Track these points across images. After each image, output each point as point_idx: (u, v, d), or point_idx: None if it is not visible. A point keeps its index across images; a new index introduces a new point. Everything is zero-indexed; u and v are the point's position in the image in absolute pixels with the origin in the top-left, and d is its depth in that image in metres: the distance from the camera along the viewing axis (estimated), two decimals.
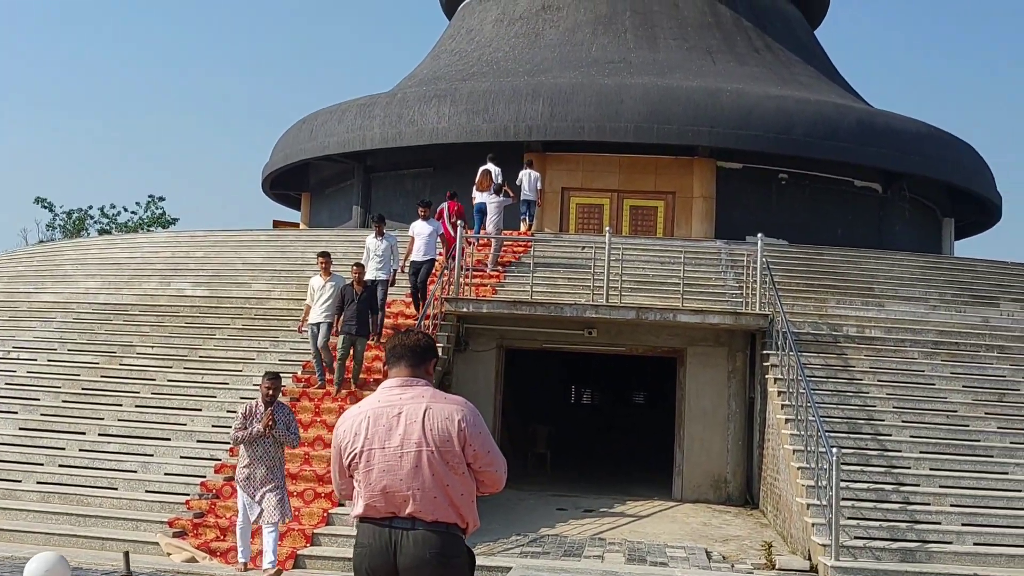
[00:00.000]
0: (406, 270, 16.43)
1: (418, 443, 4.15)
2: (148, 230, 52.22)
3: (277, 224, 36.84)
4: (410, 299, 16.55)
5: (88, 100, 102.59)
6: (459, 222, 18.87)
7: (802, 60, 33.84)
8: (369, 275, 15.10)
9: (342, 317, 13.79)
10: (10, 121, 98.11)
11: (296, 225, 36.43)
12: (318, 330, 13.86)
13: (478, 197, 20.48)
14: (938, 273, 20.32)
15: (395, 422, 4.18)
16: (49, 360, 15.62)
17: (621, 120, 27.64)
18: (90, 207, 53.95)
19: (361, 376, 14.00)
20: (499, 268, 18.72)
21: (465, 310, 15.98)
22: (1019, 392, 14.55)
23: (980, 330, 16.93)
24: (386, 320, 15.49)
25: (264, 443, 9.59)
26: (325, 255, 14.58)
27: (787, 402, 13.49)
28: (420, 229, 16.58)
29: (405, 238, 17.35)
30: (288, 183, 35.89)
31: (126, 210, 53.54)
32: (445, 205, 20.77)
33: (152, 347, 15.84)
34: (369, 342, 14.44)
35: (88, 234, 52.40)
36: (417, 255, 16.36)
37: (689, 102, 27.77)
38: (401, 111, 29.51)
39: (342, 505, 11.07)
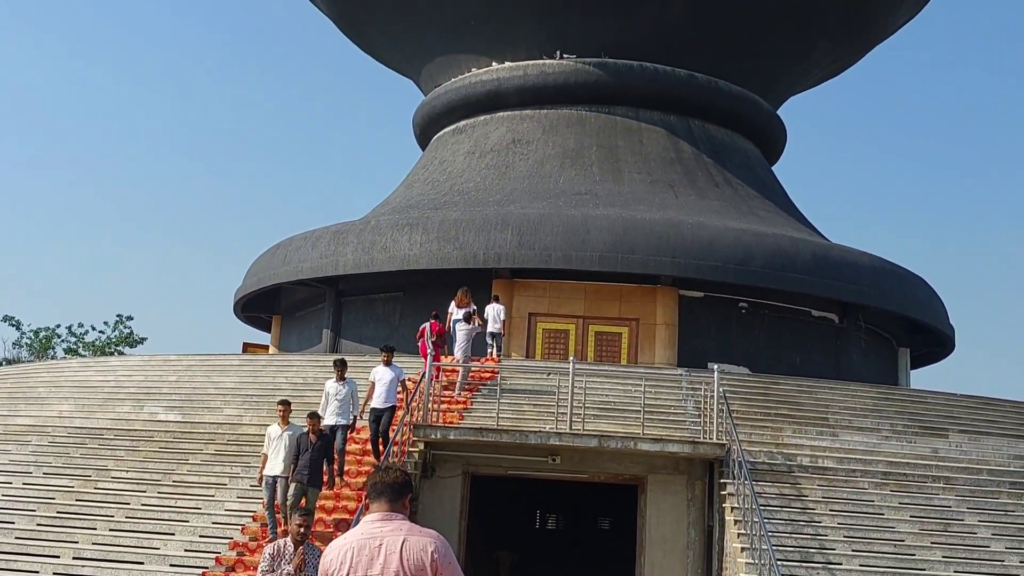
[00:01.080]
0: (365, 416, 16.19)
1: (396, 572, 4.71)
2: (116, 350, 52.26)
3: (247, 347, 37.32)
4: (369, 446, 16.31)
5: (55, 218, 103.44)
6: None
7: (760, 194, 35.35)
8: (328, 420, 14.99)
9: (296, 467, 13.51)
10: None
11: (266, 348, 36.89)
12: (274, 482, 13.65)
13: (456, 313, 21.34)
14: (890, 404, 21.10)
15: (376, 552, 4.74)
16: (24, 483, 15.87)
17: (587, 249, 28.70)
18: (58, 326, 53.76)
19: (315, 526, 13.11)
20: (465, 395, 19.30)
21: (432, 437, 16.49)
22: (963, 522, 15.18)
23: (928, 460, 17.64)
24: (346, 467, 15.38)
25: None
26: (285, 404, 14.32)
27: (743, 531, 14.02)
28: (381, 375, 16.23)
29: (364, 378, 17.44)
30: (259, 306, 36.49)
31: (94, 328, 53.45)
32: (427, 325, 21.66)
33: (126, 471, 16.15)
34: (324, 490, 14.18)
35: (55, 353, 52.35)
36: (377, 402, 16.03)
37: (652, 233, 28.94)
38: (374, 238, 30.45)
39: None
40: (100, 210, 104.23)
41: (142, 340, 53.74)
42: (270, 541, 13.36)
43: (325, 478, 14.27)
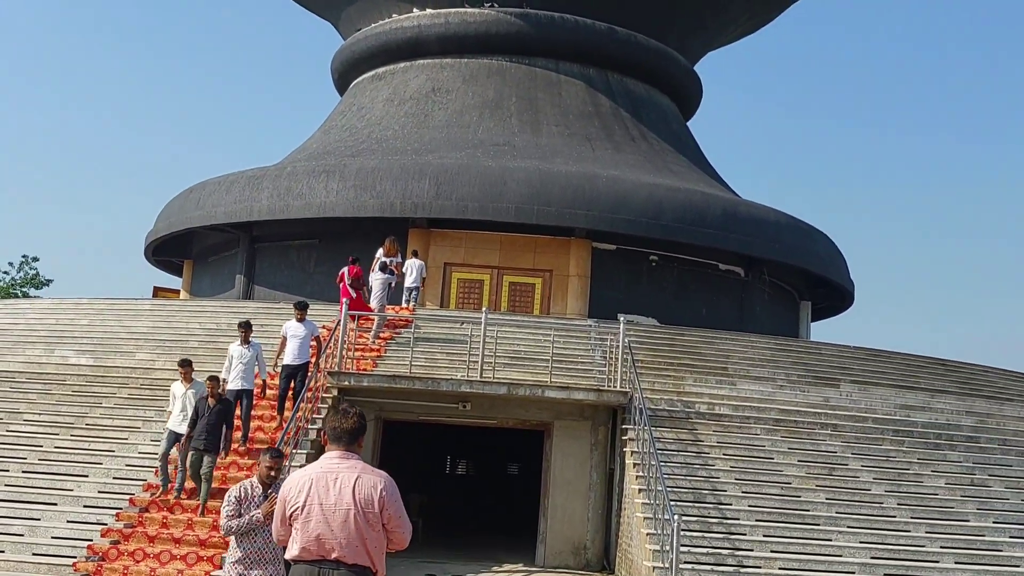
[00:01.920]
0: (277, 369, 16.01)
1: (348, 503, 5.32)
2: (21, 291, 51.17)
3: (158, 291, 36.98)
4: (275, 404, 16.06)
5: None
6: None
7: (675, 149, 36.09)
8: (232, 385, 14.75)
9: (193, 431, 13.33)
10: None
11: (177, 292, 36.61)
12: (175, 438, 13.59)
13: (383, 258, 21.74)
14: (786, 355, 22.10)
15: (332, 484, 5.36)
16: None
17: (503, 201, 29.08)
18: None
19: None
20: (380, 342, 19.67)
21: (346, 383, 16.86)
22: (847, 467, 16.19)
23: (819, 409, 18.65)
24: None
25: (264, 533, 7.82)
26: (186, 364, 14.29)
27: (641, 473, 14.77)
28: (295, 330, 15.93)
29: (278, 326, 17.62)
30: (171, 250, 36.11)
31: None
32: (346, 269, 21.93)
33: (39, 414, 16.19)
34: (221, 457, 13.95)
35: None
36: (290, 358, 15.77)
37: (567, 186, 29.43)
38: (290, 184, 30.35)
39: (221, 568, 11.74)
40: (4, 147, 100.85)
41: (48, 282, 52.68)
42: (164, 494, 13.55)
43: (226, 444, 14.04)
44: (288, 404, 15.84)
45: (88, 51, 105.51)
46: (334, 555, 5.30)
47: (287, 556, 5.52)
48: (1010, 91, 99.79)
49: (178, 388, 14.12)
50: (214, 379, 13.94)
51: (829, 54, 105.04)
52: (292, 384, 15.92)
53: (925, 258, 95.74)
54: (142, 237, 36.47)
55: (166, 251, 36.11)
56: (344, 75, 39.10)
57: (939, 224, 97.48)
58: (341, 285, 20.77)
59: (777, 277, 34.35)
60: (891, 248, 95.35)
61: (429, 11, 35.72)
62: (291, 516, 5.39)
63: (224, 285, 33.34)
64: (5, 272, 51.87)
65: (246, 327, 15.29)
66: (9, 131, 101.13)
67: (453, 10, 35.34)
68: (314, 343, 16.33)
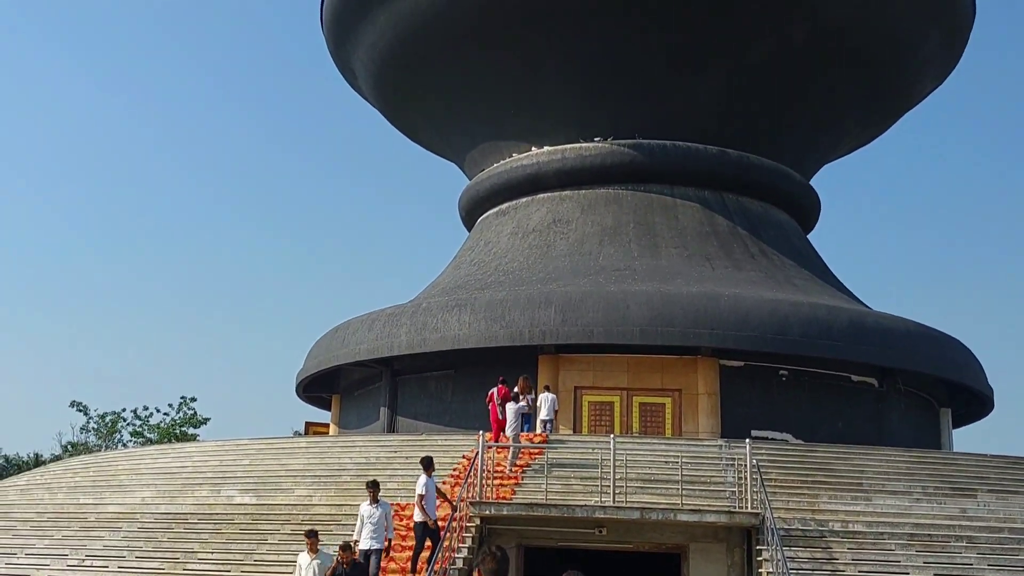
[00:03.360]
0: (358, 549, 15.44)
1: None
2: (181, 431, 54.12)
3: (309, 425, 39.08)
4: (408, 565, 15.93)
5: (120, 304, 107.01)
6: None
7: (796, 263, 36.55)
8: (363, 545, 14.99)
9: None
10: (44, 325, 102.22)
11: (327, 426, 38.56)
12: None
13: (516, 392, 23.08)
14: (922, 467, 22.04)
15: None
16: (119, 567, 17.47)
17: (627, 324, 30.07)
18: (123, 410, 55.85)
19: None
20: (516, 470, 20.66)
21: (487, 512, 17.85)
22: None
23: (955, 520, 18.61)
24: None
25: None
26: (312, 535, 14.47)
27: None
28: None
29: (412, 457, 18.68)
30: (319, 386, 38.23)
31: (158, 411, 55.33)
32: (495, 389, 23.80)
33: (211, 553, 17.69)
34: None
35: (121, 437, 54.24)
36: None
37: (690, 306, 30.25)
38: (425, 319, 32.13)
39: None
40: (162, 297, 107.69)
41: (205, 421, 55.41)
42: None
43: None
44: None
45: (241, 199, 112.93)
46: None
47: None
48: None
49: (304, 559, 14.42)
50: (346, 547, 14.11)
51: (947, 154, 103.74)
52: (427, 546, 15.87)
53: None
54: (289, 373, 38.79)
55: (315, 387, 38.23)
56: (471, 212, 41.27)
57: None
58: (491, 405, 22.06)
59: (913, 386, 34.01)
60: None
61: (547, 148, 37.68)
62: None
63: (370, 417, 35.08)
64: (165, 413, 54.96)
65: (374, 487, 15.40)
66: (166, 278, 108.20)
67: (569, 146, 37.21)
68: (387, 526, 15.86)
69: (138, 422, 54.73)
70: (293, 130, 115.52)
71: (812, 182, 41.69)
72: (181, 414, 55.09)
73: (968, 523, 18.52)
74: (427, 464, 16.30)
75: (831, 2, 34.55)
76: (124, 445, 54.18)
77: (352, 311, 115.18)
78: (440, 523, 16.40)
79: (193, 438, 53.78)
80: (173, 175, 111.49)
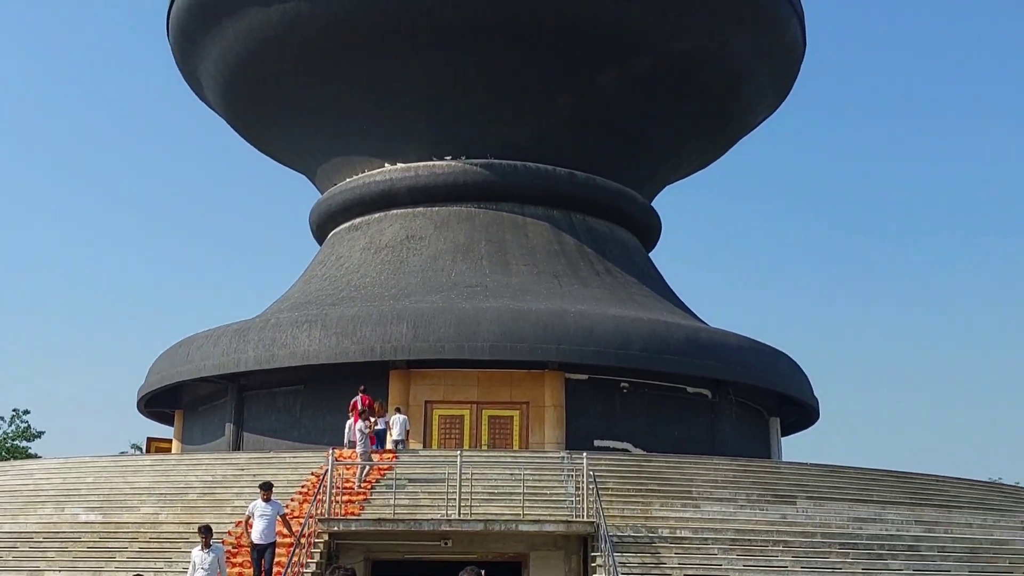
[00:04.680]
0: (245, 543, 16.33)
1: None
2: (13, 444, 51.98)
3: (151, 441, 38.30)
4: None
5: None
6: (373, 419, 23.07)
7: (638, 281, 38.23)
8: (255, 537, 15.68)
9: None
10: None
11: (170, 442, 37.88)
12: None
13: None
14: (748, 475, 23.63)
15: None
16: None
17: (478, 340, 30.91)
18: None
19: None
20: (365, 486, 21.15)
21: (336, 528, 18.30)
22: None
23: (775, 526, 20.15)
24: None
25: None
26: (206, 531, 14.87)
27: None
28: (261, 510, 16.22)
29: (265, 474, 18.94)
30: (162, 402, 37.50)
31: None
32: (358, 398, 24.52)
33: (59, 572, 17.49)
34: None
35: None
36: (258, 537, 16.09)
37: (538, 323, 31.33)
38: (275, 335, 32.12)
39: None
40: None
41: (40, 434, 53.33)
42: None
43: None
44: None
45: (80, 205, 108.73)
46: None
47: None
48: (953, 199, 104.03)
49: (197, 555, 14.77)
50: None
51: (780, 174, 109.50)
52: (263, 563, 16.15)
53: (890, 370, 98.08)
54: (129, 386, 38.08)
55: (157, 403, 37.50)
56: (322, 226, 41.34)
57: (901, 334, 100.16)
58: (353, 414, 22.60)
59: (744, 397, 36.05)
60: (856, 361, 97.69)
61: (400, 165, 38.21)
62: None
63: (215, 433, 34.70)
64: None
65: (206, 532, 15.10)
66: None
67: (422, 164, 37.86)
68: (281, 524, 16.62)
69: None
70: (138, 137, 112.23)
71: (654, 203, 43.62)
72: (14, 427, 52.94)
73: (787, 528, 20.08)
74: (267, 487, 16.55)
75: (672, 36, 36.37)
76: None
77: (194, 325, 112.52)
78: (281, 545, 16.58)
79: (25, 452, 51.76)
80: (11, 177, 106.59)
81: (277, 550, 16.49)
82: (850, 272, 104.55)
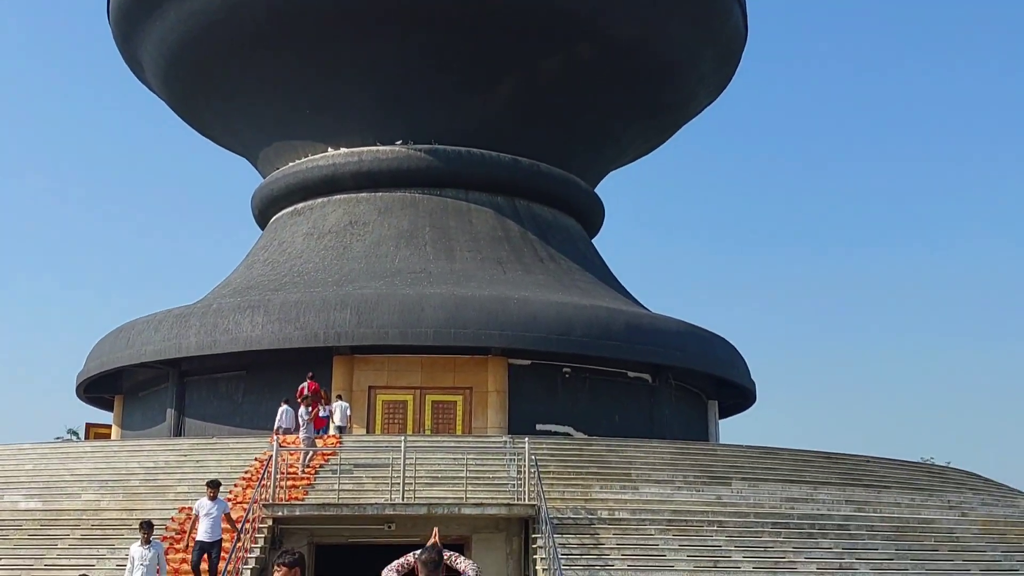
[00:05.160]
0: (190, 546, 16.27)
1: None
2: None
3: (90, 427, 37.93)
4: None
5: None
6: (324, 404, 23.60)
7: (581, 267, 38.68)
8: (202, 536, 15.67)
9: None
10: None
11: (109, 428, 37.56)
12: None
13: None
14: (685, 458, 24.21)
15: None
16: None
17: (422, 326, 31.13)
18: None
19: None
20: (309, 471, 21.30)
21: (280, 513, 18.46)
22: (730, 559, 18.21)
23: (709, 507, 20.72)
24: None
25: None
26: (147, 526, 14.83)
27: None
28: (207, 509, 16.14)
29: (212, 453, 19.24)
30: (101, 387, 37.17)
31: None
32: (305, 384, 24.99)
33: (0, 559, 17.46)
34: None
35: None
36: (203, 535, 16.01)
37: (482, 309, 31.64)
38: (216, 320, 32.02)
39: None
40: None
41: None
42: None
43: None
44: None
45: (19, 189, 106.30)
46: None
47: None
48: (886, 189, 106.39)
49: (136, 551, 14.68)
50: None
51: (722, 165, 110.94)
52: (206, 560, 16.09)
53: (826, 354, 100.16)
54: (64, 371, 37.67)
55: (97, 388, 37.16)
56: (264, 211, 41.14)
57: (835, 319, 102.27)
58: (300, 399, 22.89)
59: (683, 381, 36.74)
60: (794, 345, 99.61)
61: (343, 150, 38.18)
62: None
63: (155, 419, 34.50)
64: None
65: (147, 528, 15.03)
66: None
67: (366, 148, 37.86)
68: (226, 521, 16.52)
69: None
70: (81, 116, 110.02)
71: (597, 189, 44.07)
72: None
73: (721, 508, 20.66)
74: (214, 485, 16.49)
75: (613, 23, 36.74)
76: None
77: (129, 310, 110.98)
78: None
79: None
80: None
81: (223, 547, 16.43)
82: (790, 256, 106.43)
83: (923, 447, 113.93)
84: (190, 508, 18.80)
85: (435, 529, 8.18)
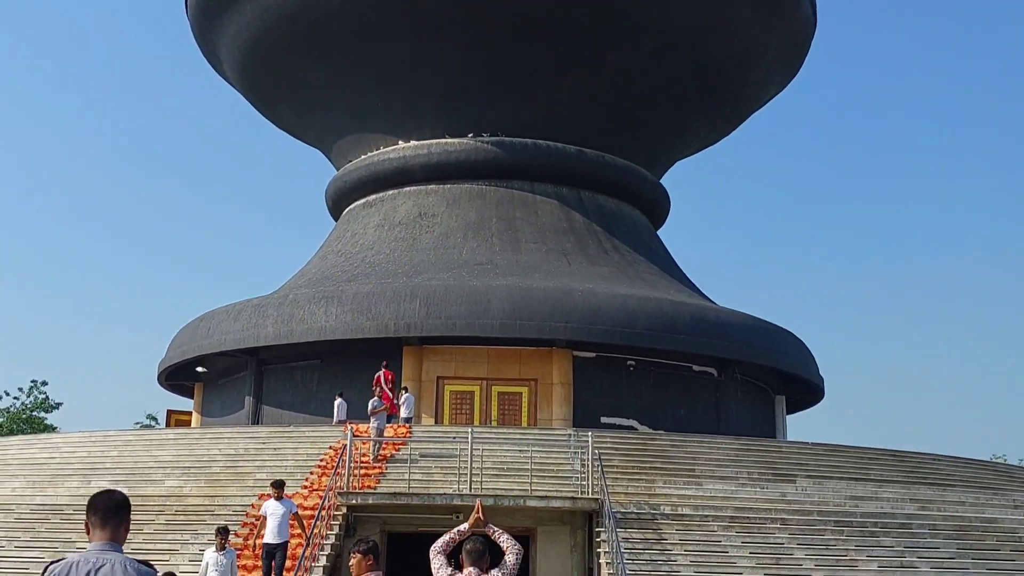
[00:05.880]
0: (259, 551, 16.14)
1: None
2: (32, 415, 53.03)
3: (172, 413, 39.32)
4: None
5: None
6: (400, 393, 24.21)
7: (646, 259, 38.92)
8: (268, 538, 15.58)
9: None
10: None
11: (189, 414, 38.91)
12: None
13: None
14: (749, 454, 24.43)
15: None
16: (0, 557, 18.16)
17: (488, 317, 31.72)
18: None
19: None
20: (381, 460, 22.05)
21: (354, 501, 19.21)
22: (792, 556, 18.49)
23: (774, 504, 20.99)
24: None
25: None
26: (223, 532, 14.91)
27: (611, 571, 17.06)
28: (273, 509, 15.99)
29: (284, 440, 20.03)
30: (183, 375, 38.49)
31: (7, 394, 54.00)
32: (381, 373, 25.69)
33: (89, 543, 18.34)
34: None
35: None
36: (271, 537, 15.87)
37: (547, 301, 32.11)
38: (293, 311, 33.00)
39: None
40: (10, 275, 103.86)
41: (57, 405, 54.39)
42: None
43: None
44: None
45: (101, 178, 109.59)
46: None
47: None
48: (968, 173, 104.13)
49: (211, 556, 14.86)
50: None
51: (791, 156, 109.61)
52: (272, 563, 16.04)
53: (899, 350, 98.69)
54: (144, 358, 39.03)
55: (177, 376, 38.49)
56: (337, 202, 42.13)
57: (909, 315, 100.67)
58: (377, 388, 23.64)
59: (749, 376, 36.77)
60: (863, 341, 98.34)
61: (413, 143, 38.90)
62: None
63: (234, 406, 35.70)
64: (15, 397, 53.69)
65: (223, 533, 15.16)
66: (16, 255, 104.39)
67: (435, 141, 38.54)
68: (293, 520, 16.43)
69: None
70: (157, 114, 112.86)
71: (664, 180, 44.20)
72: (32, 398, 53.92)
73: (785, 506, 20.92)
74: (278, 486, 16.33)
75: (679, 16, 36.83)
76: None
77: (211, 297, 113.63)
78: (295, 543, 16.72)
79: (42, 423, 52.85)
80: (30, 155, 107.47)
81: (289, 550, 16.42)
82: (861, 252, 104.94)
83: (996, 446, 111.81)
84: (268, 495, 19.67)
85: (479, 502, 8.30)
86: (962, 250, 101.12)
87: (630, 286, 34.81)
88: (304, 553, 16.46)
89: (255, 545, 16.45)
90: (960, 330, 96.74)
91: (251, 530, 17.25)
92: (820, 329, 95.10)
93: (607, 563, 17.49)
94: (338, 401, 29.00)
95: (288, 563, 16.44)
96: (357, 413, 27.23)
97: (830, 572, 18.02)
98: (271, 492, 16.35)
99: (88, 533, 5.17)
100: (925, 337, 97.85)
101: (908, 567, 18.57)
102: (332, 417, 28.52)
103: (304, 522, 17.02)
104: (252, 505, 18.48)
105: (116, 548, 5.09)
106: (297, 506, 17.08)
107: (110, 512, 5.08)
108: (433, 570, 7.42)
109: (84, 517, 14.90)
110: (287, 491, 17.03)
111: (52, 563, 5.07)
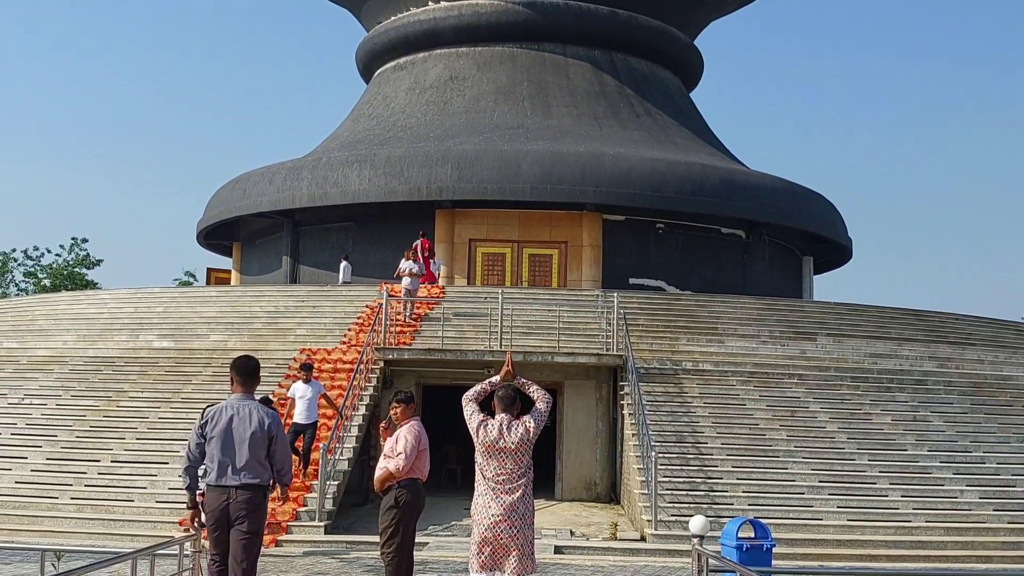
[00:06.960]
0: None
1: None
2: (74, 272, 54.69)
3: (211, 271, 40.53)
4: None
5: (9, 141, 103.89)
6: (433, 259, 25.25)
7: (677, 122, 38.88)
8: (298, 418, 16.01)
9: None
10: None
11: (228, 272, 40.10)
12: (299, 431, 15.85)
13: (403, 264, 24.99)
14: (772, 313, 25.11)
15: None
16: (58, 404, 19.29)
17: (519, 181, 32.17)
18: (13, 250, 55.91)
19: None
20: (415, 318, 22.97)
21: (391, 356, 20.18)
22: (808, 409, 19.32)
23: (793, 360, 21.75)
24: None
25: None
26: (307, 367, 16.19)
27: (633, 421, 17.99)
28: (303, 392, 16.23)
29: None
30: (220, 234, 39.52)
31: (49, 251, 55.53)
32: (419, 242, 26.81)
33: (141, 392, 19.59)
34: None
35: (12, 277, 54.67)
36: (300, 417, 16.15)
37: (577, 165, 32.43)
38: (326, 174, 33.59)
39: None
40: (52, 135, 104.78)
41: (98, 262, 55.96)
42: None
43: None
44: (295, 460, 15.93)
45: (138, 42, 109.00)
46: None
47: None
48: (1011, 58, 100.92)
49: (299, 387, 16.11)
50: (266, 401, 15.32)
51: (825, 17, 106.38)
52: (300, 442, 16.28)
53: (924, 212, 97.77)
54: (181, 217, 39.96)
55: (215, 235, 39.53)
56: (368, 65, 42.11)
57: (936, 180, 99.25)
58: (413, 255, 24.68)
59: (777, 237, 37.20)
60: (892, 204, 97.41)
61: (444, 3, 38.60)
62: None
63: (272, 265, 36.77)
64: (57, 254, 55.23)
65: (308, 369, 16.31)
66: (59, 117, 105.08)
67: (465, 2, 38.19)
68: (323, 401, 16.71)
69: (29, 263, 55.05)
70: None
71: (697, 41, 43.62)
72: (73, 255, 55.42)
73: (804, 362, 21.67)
74: (307, 369, 16.56)
75: None
76: (16, 286, 54.72)
77: (247, 157, 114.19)
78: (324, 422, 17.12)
79: (83, 279, 54.48)
80: (66, 15, 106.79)
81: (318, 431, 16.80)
82: (893, 113, 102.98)
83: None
84: (311, 349, 20.71)
85: (509, 354, 8.83)
86: (997, 110, 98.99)
87: (660, 150, 34.95)
88: (344, 403, 17.45)
89: (286, 423, 16.38)
90: (995, 194, 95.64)
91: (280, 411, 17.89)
92: (852, 191, 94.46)
93: (629, 414, 18.41)
94: (344, 264, 30.48)
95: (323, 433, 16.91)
96: (385, 274, 28.38)
97: (843, 424, 18.84)
98: (301, 375, 16.56)
99: (232, 385, 7.66)
100: (959, 201, 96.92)
101: (921, 420, 19.35)
102: (375, 276, 29.64)
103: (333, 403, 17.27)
104: (279, 384, 19.27)
105: (250, 398, 7.61)
106: (328, 381, 17.91)
107: (248, 373, 7.63)
108: (466, 416, 8.05)
109: (136, 368, 16.24)
110: (327, 347, 17.91)
111: (209, 406, 7.81)
